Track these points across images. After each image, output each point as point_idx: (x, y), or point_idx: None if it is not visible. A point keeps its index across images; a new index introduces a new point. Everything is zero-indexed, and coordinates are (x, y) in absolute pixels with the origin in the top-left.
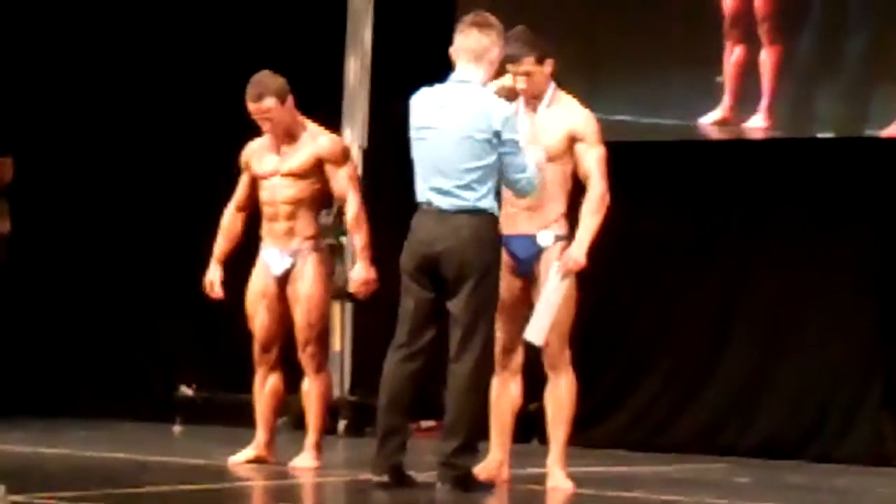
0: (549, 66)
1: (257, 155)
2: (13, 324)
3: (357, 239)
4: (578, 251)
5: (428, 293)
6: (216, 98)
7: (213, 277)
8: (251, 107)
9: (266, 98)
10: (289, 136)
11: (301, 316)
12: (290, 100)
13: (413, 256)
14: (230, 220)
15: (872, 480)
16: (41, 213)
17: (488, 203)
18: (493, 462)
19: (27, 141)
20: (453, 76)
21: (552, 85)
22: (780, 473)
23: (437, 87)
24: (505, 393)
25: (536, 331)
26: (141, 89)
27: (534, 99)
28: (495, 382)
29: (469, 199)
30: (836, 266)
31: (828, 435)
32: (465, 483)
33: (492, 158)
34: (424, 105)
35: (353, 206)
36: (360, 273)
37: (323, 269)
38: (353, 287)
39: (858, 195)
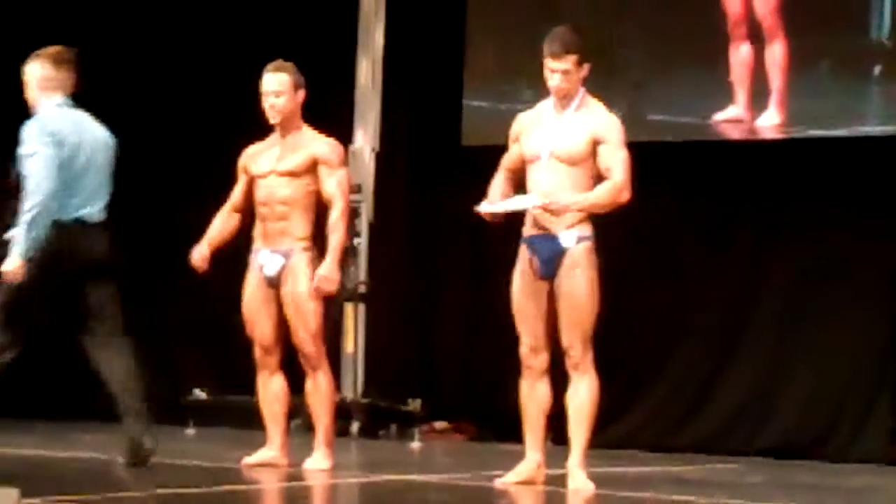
0: (585, 69)
1: (254, 157)
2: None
3: (333, 238)
4: (568, 199)
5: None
6: (225, 101)
7: (202, 249)
8: (269, 78)
9: (285, 74)
10: (286, 130)
11: (295, 316)
12: (301, 94)
13: (63, 268)
14: (225, 215)
15: (886, 481)
16: None
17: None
18: (532, 464)
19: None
20: (59, 102)
21: (582, 90)
22: (793, 474)
23: (56, 111)
24: (534, 394)
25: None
26: (147, 92)
27: (564, 99)
28: (524, 384)
29: (104, 210)
30: (851, 267)
31: (842, 435)
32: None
33: None
34: (63, 126)
35: (337, 210)
36: (328, 269)
37: (314, 268)
38: (317, 282)
39: (872, 194)
